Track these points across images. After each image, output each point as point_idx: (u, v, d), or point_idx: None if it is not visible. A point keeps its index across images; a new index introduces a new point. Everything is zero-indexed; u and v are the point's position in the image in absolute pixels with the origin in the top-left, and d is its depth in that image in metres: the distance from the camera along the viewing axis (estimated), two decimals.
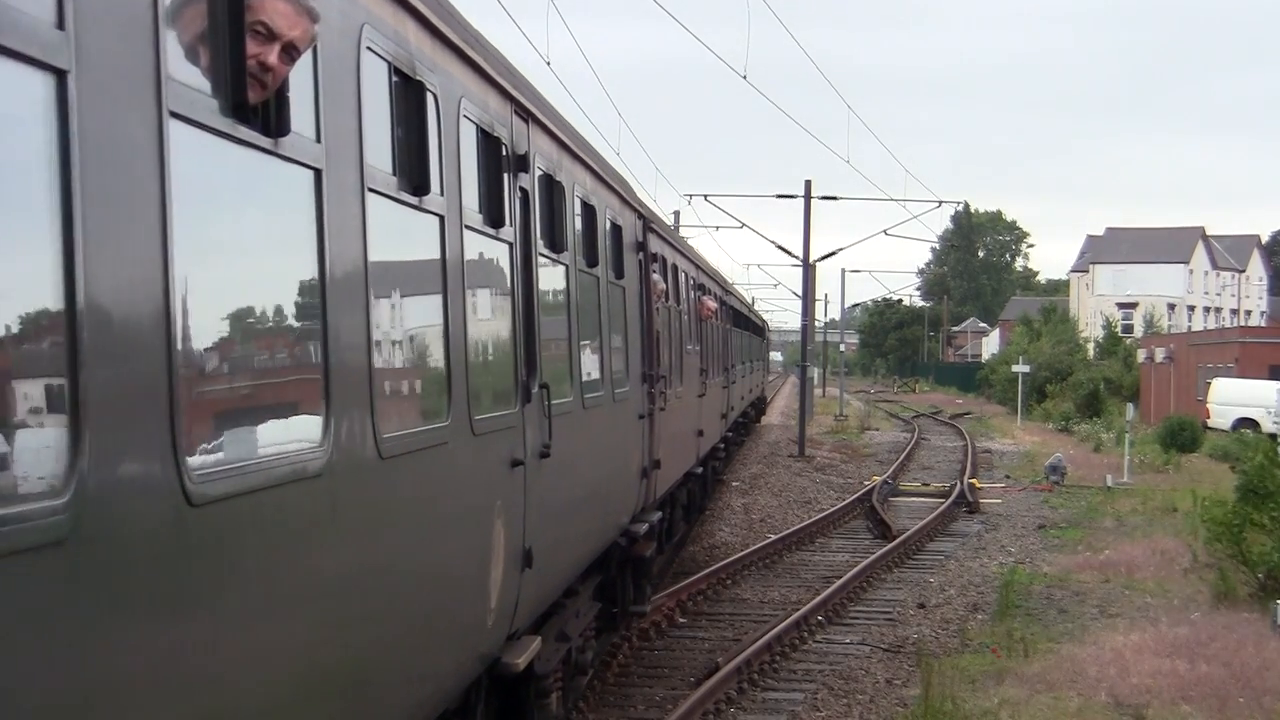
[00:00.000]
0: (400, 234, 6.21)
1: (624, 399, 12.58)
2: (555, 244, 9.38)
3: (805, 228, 45.03)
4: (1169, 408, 59.53)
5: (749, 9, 46.14)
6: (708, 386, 23.38)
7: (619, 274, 12.64)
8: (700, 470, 23.48)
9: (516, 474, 7.95)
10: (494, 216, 7.61)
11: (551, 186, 9.34)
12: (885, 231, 49.93)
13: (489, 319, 7.77)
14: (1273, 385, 49.13)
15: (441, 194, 6.59)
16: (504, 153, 7.82)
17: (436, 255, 6.63)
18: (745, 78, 30.56)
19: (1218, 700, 13.25)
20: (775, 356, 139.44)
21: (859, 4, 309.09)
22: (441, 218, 6.62)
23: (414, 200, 6.17)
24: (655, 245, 15.86)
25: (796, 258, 47.25)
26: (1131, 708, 13.13)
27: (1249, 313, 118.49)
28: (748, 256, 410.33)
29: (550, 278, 9.46)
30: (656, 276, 15.65)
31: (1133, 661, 14.78)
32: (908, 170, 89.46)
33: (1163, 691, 13.56)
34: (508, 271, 8.03)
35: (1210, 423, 51.02)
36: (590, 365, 11.04)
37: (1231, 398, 53.26)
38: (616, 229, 12.65)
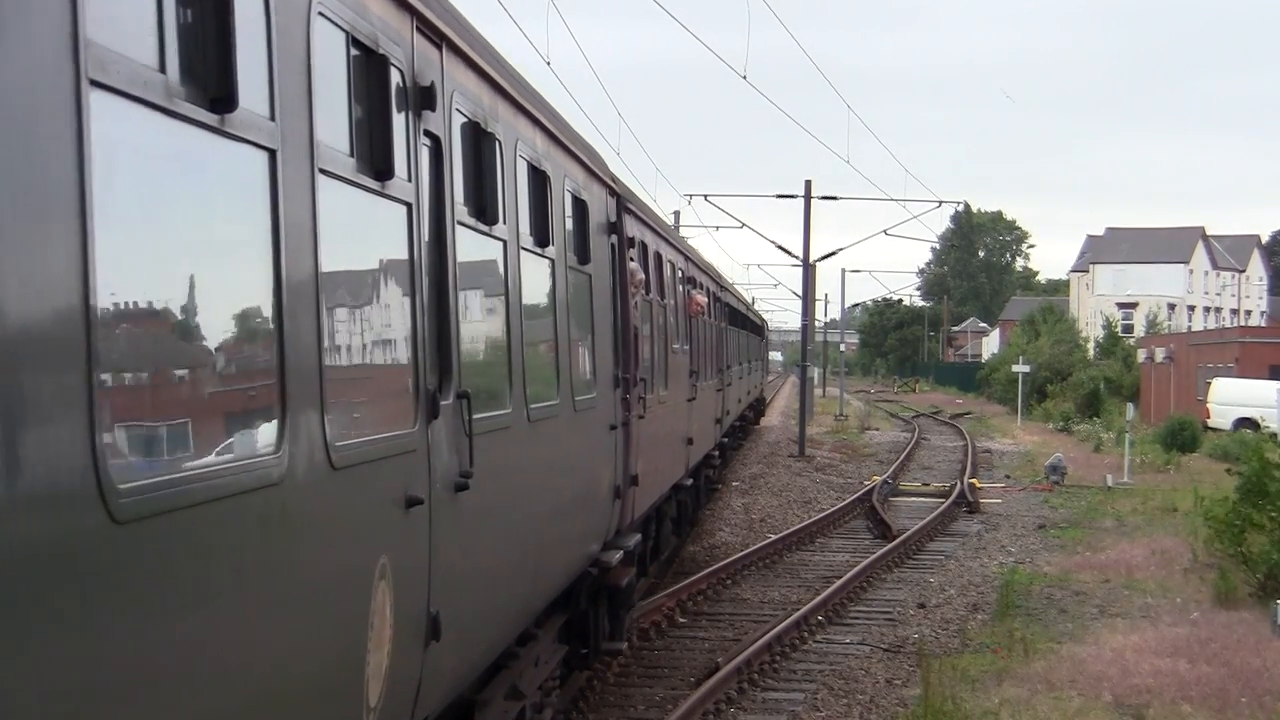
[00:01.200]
0: (185, 168, 4.18)
1: (590, 408, 10.82)
2: (485, 213, 7.46)
3: (805, 228, 45.04)
4: (1169, 408, 59.52)
5: (749, 9, 46.23)
6: (699, 389, 21.42)
7: (583, 258, 10.82)
8: (691, 481, 21.74)
9: (414, 517, 6.05)
10: (377, 163, 5.68)
11: (479, 138, 7.41)
12: (885, 231, 49.99)
13: (368, 306, 5.94)
14: (1273, 385, 49.10)
15: (271, 116, 4.53)
16: (396, 80, 5.90)
17: (261, 207, 4.56)
18: (745, 78, 30.59)
19: (1218, 700, 13.25)
20: (775, 356, 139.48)
21: (859, 4, 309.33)
22: (271, 153, 4.54)
23: (213, 119, 4.14)
24: (633, 229, 14.17)
25: (796, 258, 47.30)
26: (1132, 708, 13.13)
27: (1249, 313, 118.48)
28: (748, 256, 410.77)
29: (477, 256, 7.60)
30: (634, 265, 13.85)
31: (1133, 661, 14.78)
32: (908, 170, 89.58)
33: (1163, 691, 13.56)
34: (403, 242, 6.12)
35: (1210, 423, 51.03)
36: (541, 368, 9.25)
37: (1231, 398, 53.25)
38: (580, 204, 10.80)
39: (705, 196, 46.19)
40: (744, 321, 39.73)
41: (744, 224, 48.86)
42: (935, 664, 14.54)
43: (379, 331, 6.06)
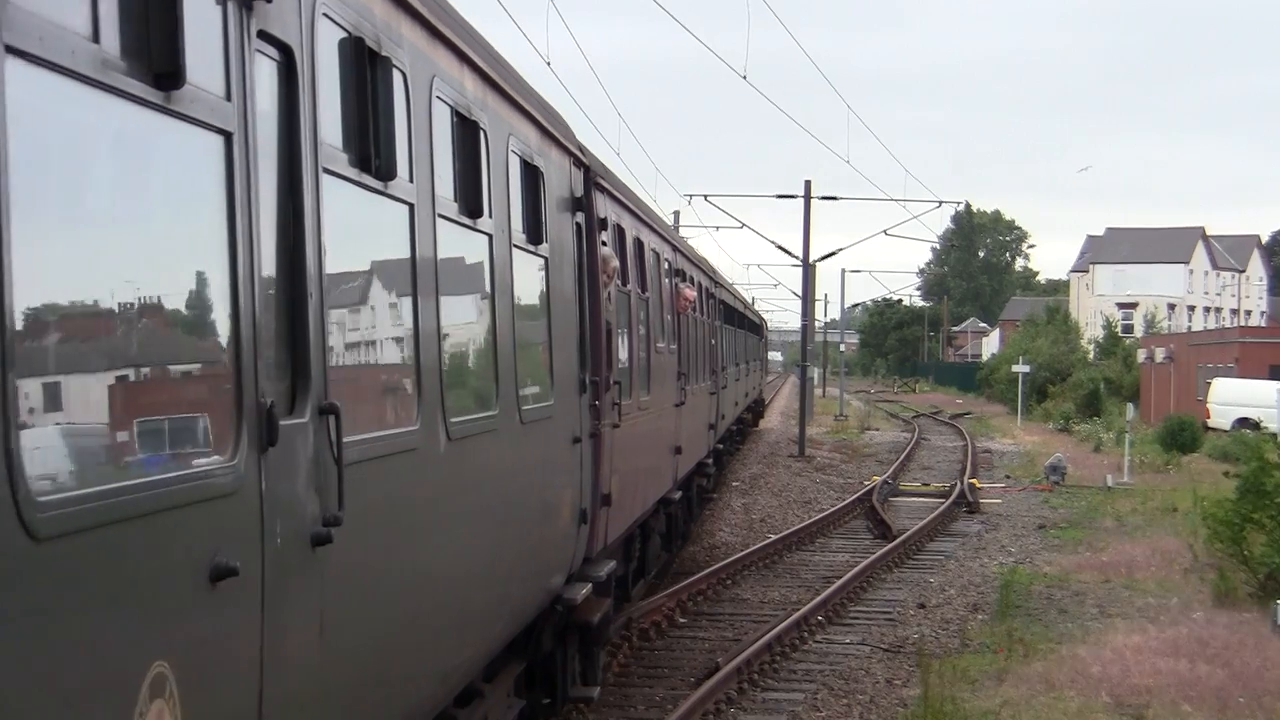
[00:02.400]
0: None
1: (545, 418, 9.13)
2: (375, 164, 5.73)
3: (805, 228, 45.06)
4: (1169, 408, 59.52)
5: (749, 9, 46.25)
6: (688, 394, 19.54)
7: (535, 237, 9.05)
8: (680, 494, 19.40)
9: (223, 596, 4.20)
10: (158, 64, 3.92)
11: (365, 62, 5.64)
12: (885, 231, 50.04)
13: (153, 279, 4.16)
14: (1273, 385, 49.09)
15: None
16: None
17: None
18: (745, 78, 30.61)
19: (1218, 700, 13.25)
20: (775, 356, 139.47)
21: (859, 4, 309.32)
22: None
23: None
24: (607, 209, 12.29)
25: (796, 258, 47.32)
26: (1132, 708, 13.13)
27: (1249, 313, 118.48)
28: (748, 256, 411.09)
29: (362, 220, 5.94)
30: (607, 250, 12.09)
31: (1133, 661, 14.77)
32: (908, 170, 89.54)
33: (1163, 691, 13.56)
34: (218, 187, 4.39)
35: (1210, 423, 51.03)
36: (469, 371, 7.66)
37: (1231, 398, 53.26)
38: (532, 172, 8.97)
39: (705, 196, 46.28)
40: (741, 320, 37.84)
41: (744, 224, 48.94)
42: (935, 664, 14.54)
43: (173, 325, 4.29)
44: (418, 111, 6.37)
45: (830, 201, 46.84)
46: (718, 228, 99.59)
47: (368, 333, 6.23)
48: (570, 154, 10.62)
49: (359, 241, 6.02)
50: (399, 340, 6.38)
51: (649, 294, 15.66)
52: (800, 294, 51.54)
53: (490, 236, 7.79)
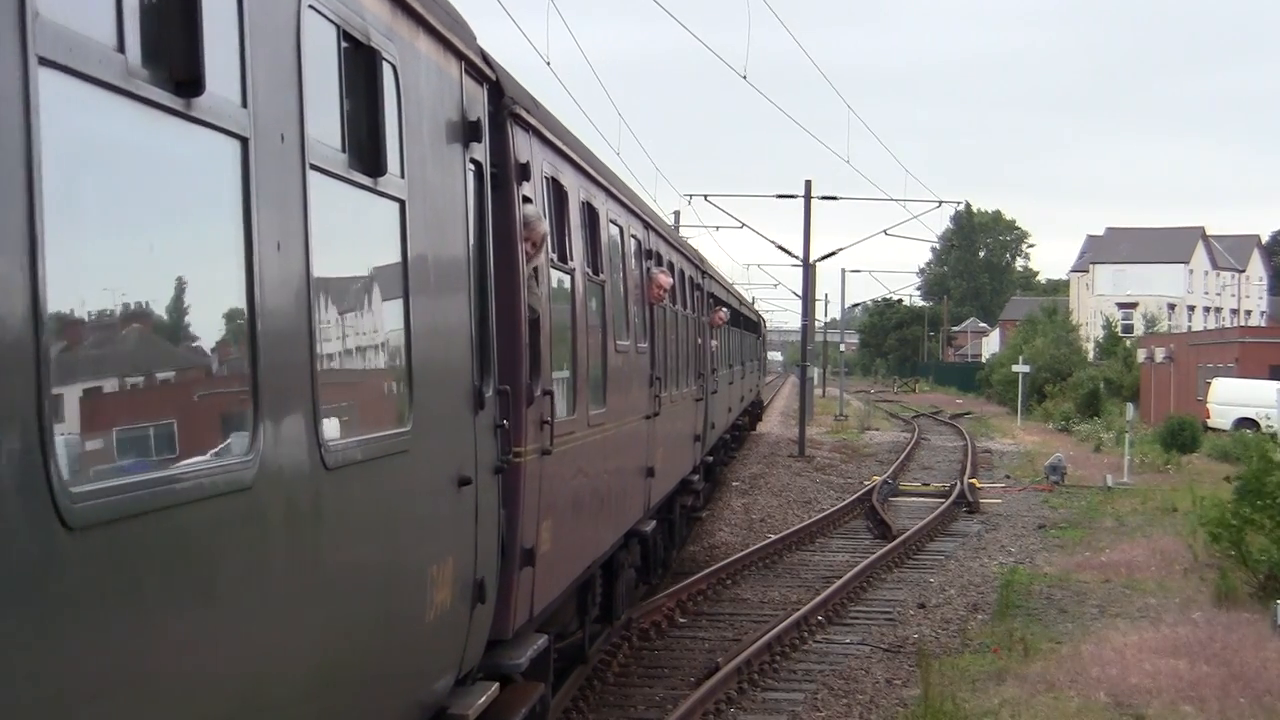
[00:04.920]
0: None
1: (390, 453, 5.99)
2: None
3: (805, 228, 45.07)
4: (1169, 408, 59.52)
5: (749, 9, 46.26)
6: (664, 402, 16.03)
7: (374, 165, 5.78)
8: (650, 528, 15.54)
9: None
10: None
11: None
12: (885, 231, 50.02)
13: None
14: (1273, 385, 49.10)
15: None
16: None
17: None
18: (745, 78, 30.56)
19: (1218, 700, 13.25)
20: (775, 356, 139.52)
21: (860, 4, 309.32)
22: None
23: None
24: (532, 152, 9.15)
25: (796, 258, 47.33)
26: (1132, 708, 13.13)
27: (1249, 313, 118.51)
28: (748, 256, 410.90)
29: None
30: (533, 210, 8.95)
31: (1133, 661, 14.78)
32: (908, 170, 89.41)
33: (1163, 691, 13.56)
34: None
35: (1210, 423, 51.02)
36: (209, 380, 4.60)
37: (1231, 398, 53.27)
38: (365, 55, 5.72)
39: (705, 196, 46.24)
40: (735, 317, 33.79)
41: (744, 224, 48.91)
42: (935, 664, 14.55)
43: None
44: None
45: (830, 201, 46.88)
46: (718, 228, 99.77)
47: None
48: (458, 56, 7.18)
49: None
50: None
51: (605, 277, 12.06)
52: (800, 294, 51.59)
53: (244, 141, 4.46)
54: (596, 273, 11.67)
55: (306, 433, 5.02)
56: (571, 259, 10.50)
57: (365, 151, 5.77)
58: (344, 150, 5.57)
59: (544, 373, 9.14)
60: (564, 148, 10.36)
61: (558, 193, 10.20)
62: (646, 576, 16.92)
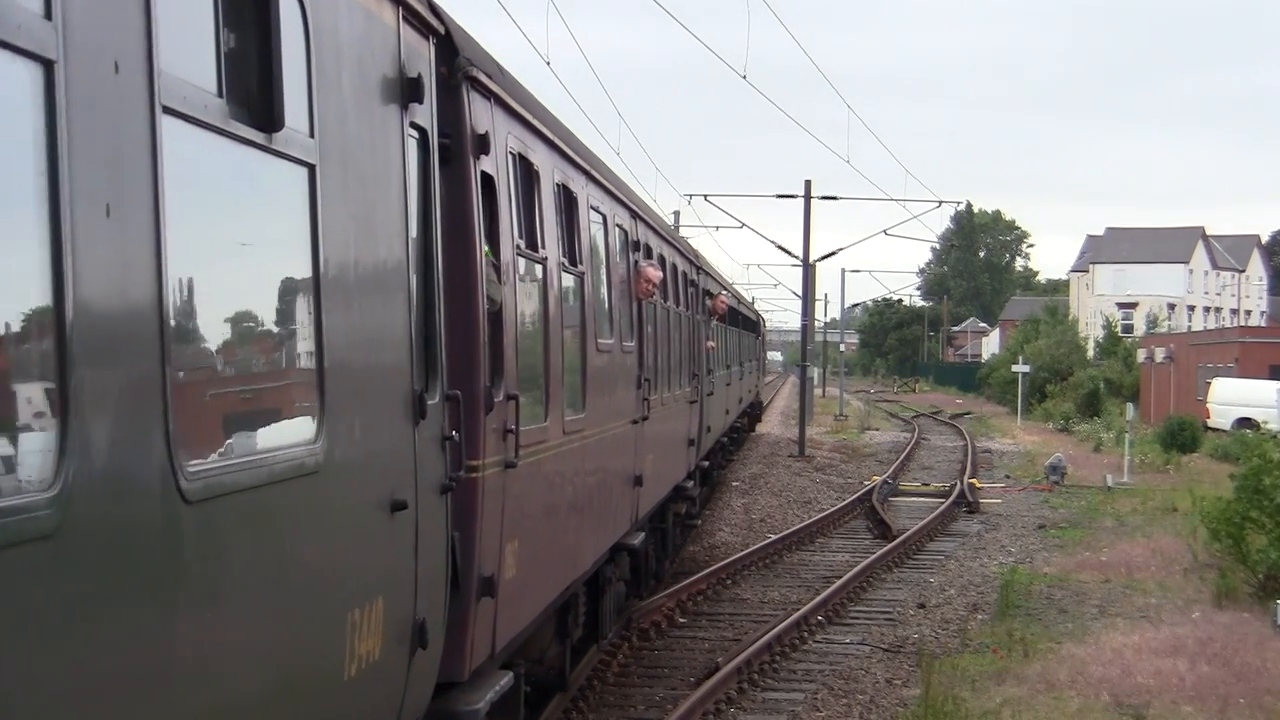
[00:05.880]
0: None
1: (311, 472, 4.98)
2: None
3: (805, 228, 45.08)
4: (1169, 408, 59.54)
5: (749, 9, 46.24)
6: (653, 405, 14.94)
7: (266, 114, 4.65)
8: (639, 540, 14.35)
9: None
10: None
11: None
12: (885, 231, 50.04)
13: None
14: (1273, 385, 49.12)
15: None
16: None
17: None
18: (745, 78, 30.58)
19: (1218, 700, 13.25)
20: (775, 356, 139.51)
21: (860, 3, 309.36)
22: None
23: None
24: (494, 123, 8.11)
25: (796, 258, 47.33)
26: (1132, 708, 13.13)
27: (1249, 313, 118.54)
28: (748, 256, 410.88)
29: None
30: (495, 173, 8.05)
31: (1133, 661, 14.78)
32: (908, 170, 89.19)
33: (1163, 691, 13.56)
34: None
35: (1210, 423, 51.03)
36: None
37: (1231, 398, 53.27)
38: None
39: (705, 196, 46.26)
40: (733, 315, 32.82)
41: (744, 224, 48.95)
42: (935, 664, 14.54)
43: None
44: None
45: (830, 201, 46.89)
46: (718, 228, 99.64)
47: None
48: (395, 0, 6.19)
49: None
50: None
51: (585, 269, 11.01)
52: (800, 294, 51.59)
53: (47, 65, 3.40)
54: (574, 263, 10.63)
55: (153, 455, 3.85)
56: (543, 247, 9.38)
57: (255, 100, 4.59)
58: (221, 95, 4.39)
59: (508, 375, 8.13)
60: (535, 122, 9.27)
61: (526, 172, 9.07)
62: (638, 589, 16.16)
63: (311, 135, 5.05)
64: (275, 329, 5.12)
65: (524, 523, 8.64)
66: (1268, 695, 13.41)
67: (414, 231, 6.38)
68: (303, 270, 5.10)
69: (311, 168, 5.06)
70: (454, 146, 7.36)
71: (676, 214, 55.47)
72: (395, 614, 5.94)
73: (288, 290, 5.14)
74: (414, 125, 6.44)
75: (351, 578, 5.53)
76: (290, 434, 5.00)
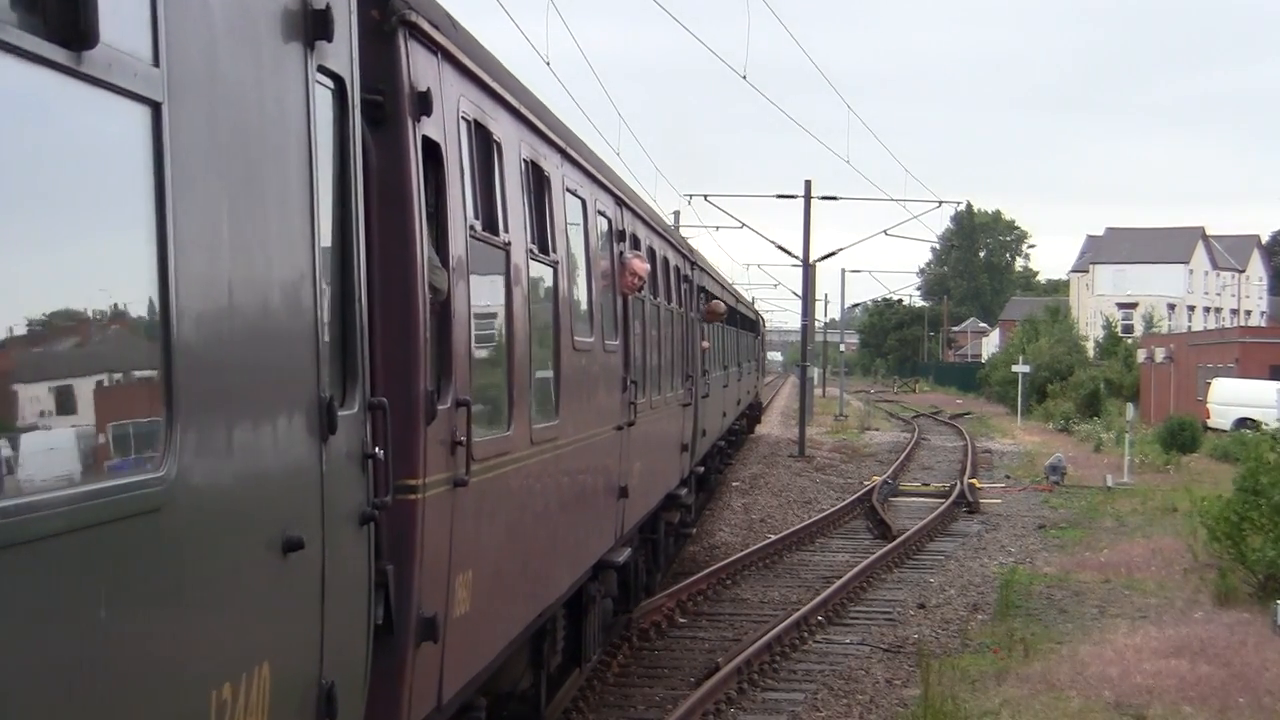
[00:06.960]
0: None
1: (151, 509, 3.74)
2: None
3: (805, 228, 45.09)
4: (1169, 408, 59.52)
5: (749, 9, 46.19)
6: (640, 409, 13.73)
7: (73, 34, 3.29)
8: (625, 556, 13.10)
9: None
10: None
11: None
12: (885, 231, 50.05)
13: None
14: (1273, 385, 49.11)
15: None
16: None
17: None
18: (745, 78, 30.58)
19: (1219, 700, 13.25)
20: (775, 356, 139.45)
21: (860, 4, 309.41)
22: None
23: None
24: (441, 82, 6.96)
25: (796, 258, 47.34)
26: (1132, 708, 13.13)
27: (1249, 313, 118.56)
28: (748, 256, 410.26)
29: None
30: (443, 141, 6.95)
31: (1133, 662, 14.78)
32: (908, 170, 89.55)
33: (1164, 692, 13.56)
34: None
35: (1210, 423, 51.01)
36: None
37: (1231, 398, 53.26)
38: None
39: (705, 196, 46.28)
40: (733, 315, 31.43)
41: (744, 224, 48.94)
42: (935, 664, 14.53)
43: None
44: None
45: (830, 201, 46.91)
46: (718, 228, 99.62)
47: None
48: None
49: None
50: None
51: (558, 258, 9.77)
52: (800, 294, 51.60)
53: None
54: (545, 252, 9.34)
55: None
56: (506, 231, 8.10)
57: (57, 7, 3.29)
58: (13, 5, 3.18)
59: (457, 378, 6.94)
60: (496, 87, 7.96)
61: (485, 142, 7.82)
62: (627, 605, 15.11)
63: (156, 64, 3.79)
64: (100, 322, 3.76)
65: (480, 549, 7.55)
66: (1268, 695, 13.41)
67: (325, 203, 5.13)
68: (142, 242, 3.81)
69: (156, 106, 3.79)
70: (388, 105, 6.29)
71: (676, 214, 55.46)
72: (289, 681, 4.75)
73: (120, 268, 3.86)
74: (325, 71, 5.18)
75: (217, 644, 4.26)
76: (119, 461, 3.76)
